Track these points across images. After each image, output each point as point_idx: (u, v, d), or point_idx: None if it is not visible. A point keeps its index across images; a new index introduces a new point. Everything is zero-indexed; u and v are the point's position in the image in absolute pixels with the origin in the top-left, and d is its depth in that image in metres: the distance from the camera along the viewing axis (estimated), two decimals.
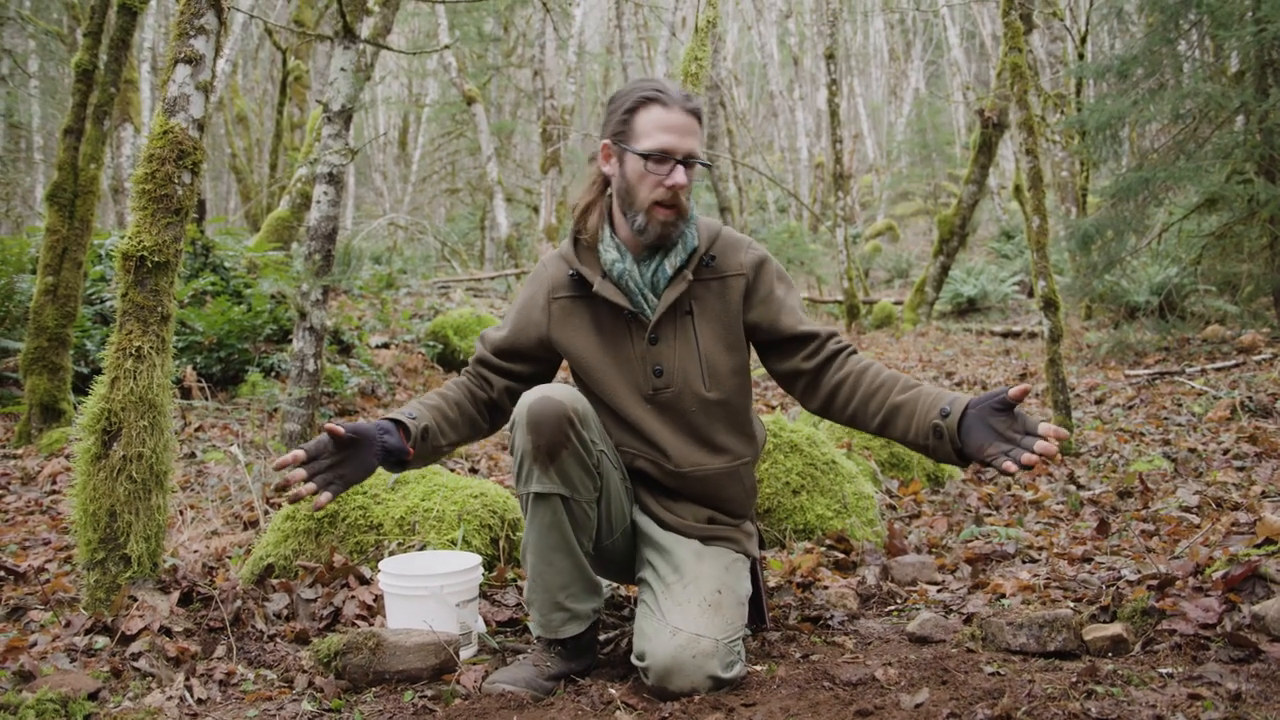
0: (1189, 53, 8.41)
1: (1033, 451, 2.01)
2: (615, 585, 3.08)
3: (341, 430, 2.22)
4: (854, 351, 2.46)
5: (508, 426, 2.38)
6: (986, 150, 12.22)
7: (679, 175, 2.34)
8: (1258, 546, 2.70)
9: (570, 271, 2.49)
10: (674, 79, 2.80)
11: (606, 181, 2.49)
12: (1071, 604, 2.60)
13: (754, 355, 2.59)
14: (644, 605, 2.35)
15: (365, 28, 4.85)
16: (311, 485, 2.19)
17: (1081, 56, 12.43)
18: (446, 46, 6.96)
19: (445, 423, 2.44)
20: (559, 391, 2.27)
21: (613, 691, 2.24)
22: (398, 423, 2.34)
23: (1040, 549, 3.34)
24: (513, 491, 3.46)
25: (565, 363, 2.56)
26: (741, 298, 2.47)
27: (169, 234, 2.78)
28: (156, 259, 2.74)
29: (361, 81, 4.81)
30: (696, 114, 2.40)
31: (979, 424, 2.12)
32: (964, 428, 2.14)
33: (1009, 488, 4.33)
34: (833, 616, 2.76)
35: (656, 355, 2.44)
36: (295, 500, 2.19)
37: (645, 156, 2.34)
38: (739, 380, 2.49)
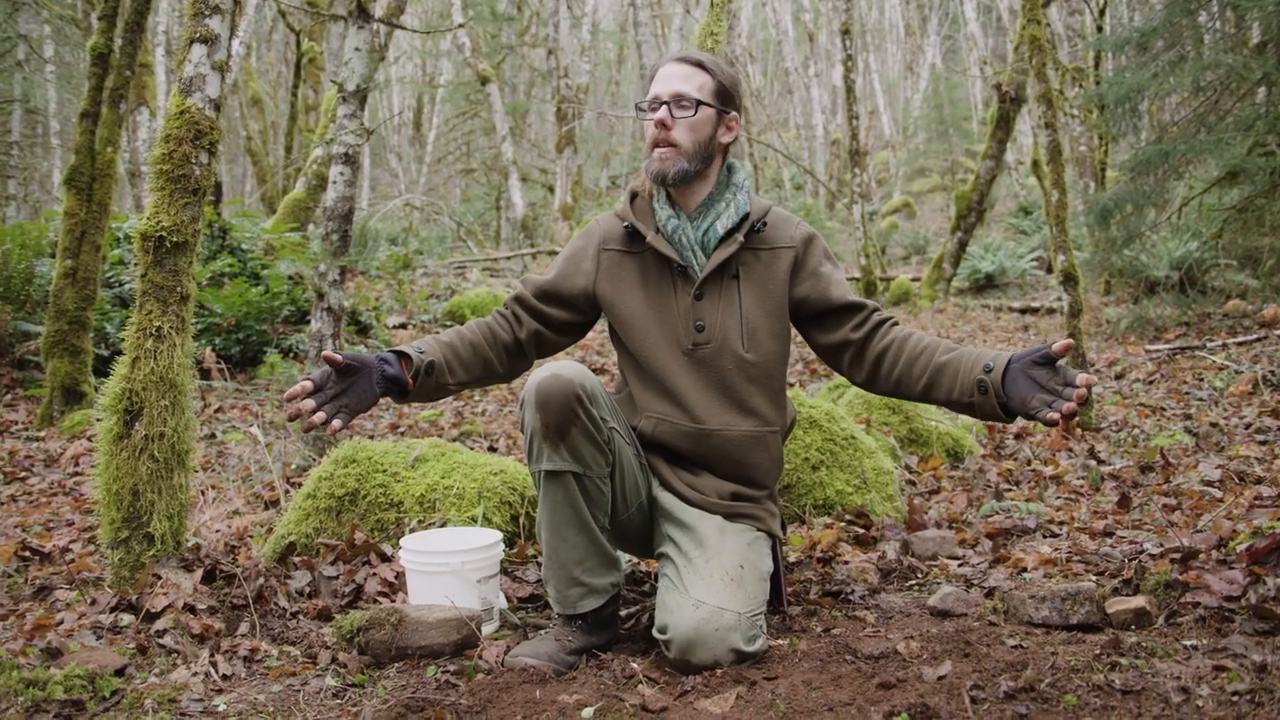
0: (1210, 24, 8.31)
1: (1071, 401, 2.03)
2: (635, 560, 3.08)
3: (339, 358, 2.26)
4: (896, 322, 2.50)
5: (517, 405, 2.40)
6: (1004, 125, 12.12)
7: (660, 112, 2.43)
8: None
9: (625, 224, 2.56)
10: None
11: None
12: (1094, 577, 2.59)
13: (796, 335, 2.61)
14: (666, 579, 2.36)
15: (379, 7, 4.83)
16: (321, 414, 2.22)
17: (1100, 29, 12.30)
18: (460, 26, 6.94)
19: (456, 360, 2.47)
20: (567, 369, 2.27)
21: (635, 665, 2.25)
22: (402, 354, 2.38)
23: (1061, 524, 3.33)
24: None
25: (601, 321, 2.63)
26: (789, 271, 2.51)
27: (187, 214, 2.78)
28: (175, 239, 2.75)
29: (376, 61, 4.80)
30: (690, 61, 2.48)
31: (1022, 377, 2.14)
32: (1008, 381, 2.16)
33: (1029, 463, 4.31)
34: (853, 591, 2.76)
35: (700, 311, 2.47)
36: (309, 429, 2.22)
37: (640, 107, 2.50)
38: (777, 347, 2.50)
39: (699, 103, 2.45)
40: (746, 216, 2.50)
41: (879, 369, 2.45)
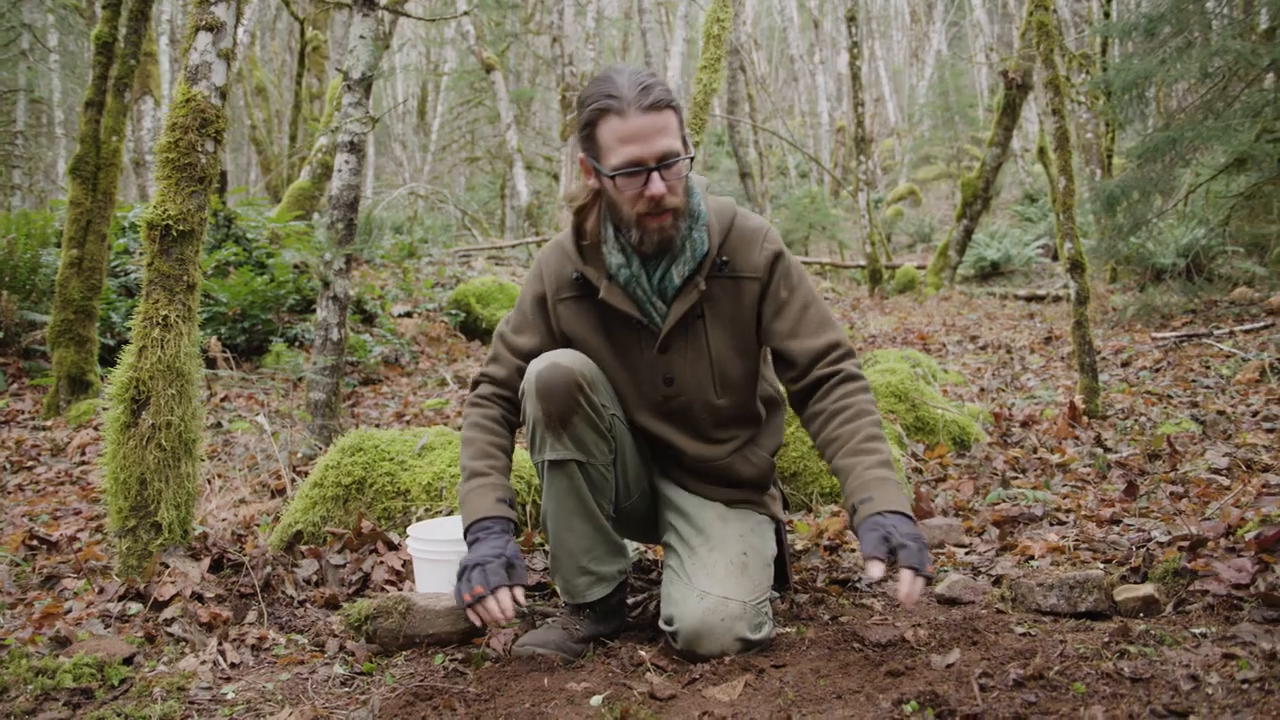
0: (1217, 10, 8.26)
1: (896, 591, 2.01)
2: (642, 549, 3.08)
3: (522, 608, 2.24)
4: (840, 380, 2.31)
5: (518, 394, 2.36)
6: (1010, 112, 12.08)
7: (656, 185, 2.15)
8: None
9: (574, 273, 2.36)
10: (630, 68, 2.41)
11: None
12: (1101, 565, 2.58)
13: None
14: (670, 570, 2.36)
15: None
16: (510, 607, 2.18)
17: (1107, 15, 12.24)
18: (465, 13, 6.93)
19: (510, 475, 2.40)
20: (566, 357, 2.26)
21: (643, 653, 2.25)
22: (510, 520, 2.30)
23: (1068, 511, 3.33)
24: None
25: None
26: (756, 300, 2.35)
27: (193, 202, 2.78)
28: (181, 228, 2.75)
29: (381, 49, 4.79)
30: (661, 106, 2.15)
31: (869, 533, 2.06)
32: (861, 530, 2.10)
33: (1035, 450, 4.30)
34: (860, 579, 2.76)
35: (667, 364, 2.36)
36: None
37: (614, 175, 2.17)
38: (749, 375, 2.42)
39: (682, 152, 2.20)
40: (706, 255, 2.30)
41: (808, 427, 2.36)
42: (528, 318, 2.44)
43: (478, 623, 2.17)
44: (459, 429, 3.07)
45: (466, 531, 2.27)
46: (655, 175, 2.15)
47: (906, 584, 1.98)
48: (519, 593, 2.19)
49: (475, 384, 2.50)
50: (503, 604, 2.15)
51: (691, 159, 2.24)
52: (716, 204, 2.38)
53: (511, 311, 2.50)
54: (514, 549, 2.23)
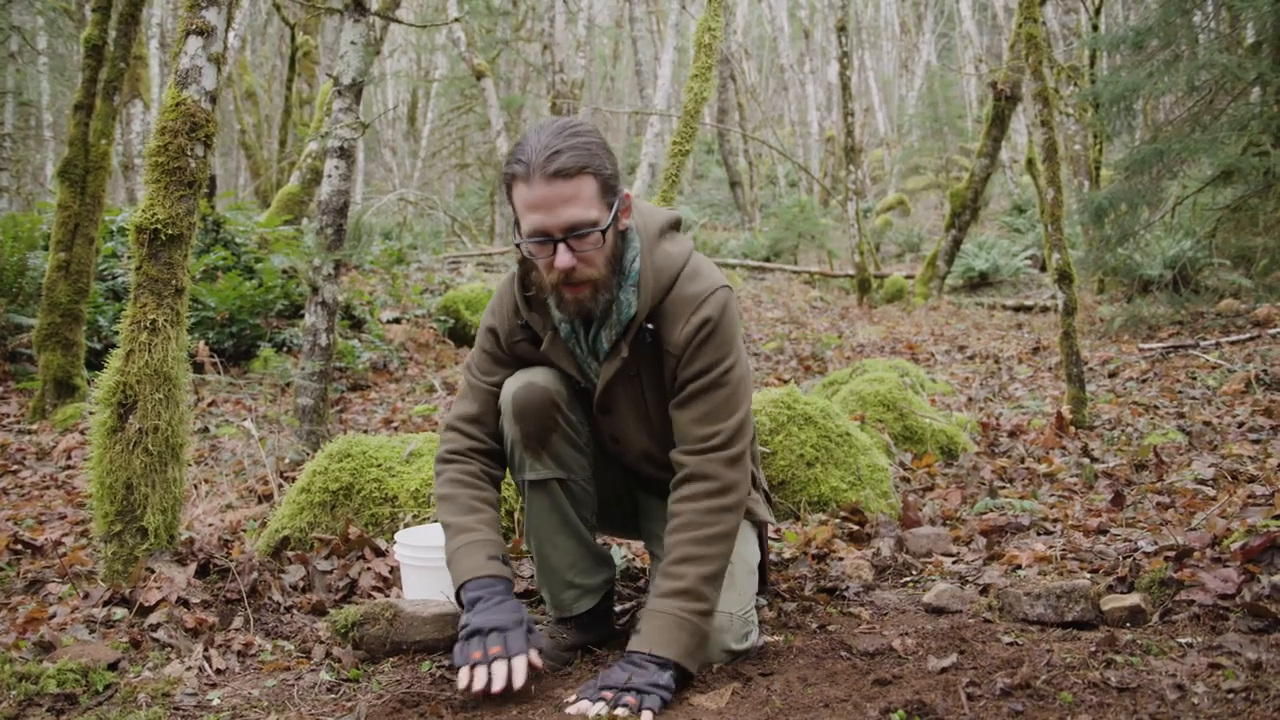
0: (1204, 23, 8.31)
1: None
2: (630, 555, 3.08)
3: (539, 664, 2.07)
4: (688, 478, 2.15)
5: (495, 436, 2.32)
6: (999, 123, 12.13)
7: (562, 258, 2.02)
8: (1276, 518, 2.69)
9: (520, 321, 2.29)
10: (549, 123, 2.21)
11: None
12: (1088, 575, 2.59)
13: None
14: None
15: (374, 1, 4.82)
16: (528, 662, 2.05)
17: (1095, 28, 12.31)
18: (456, 20, 6.93)
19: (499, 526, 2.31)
20: (539, 376, 2.25)
21: None
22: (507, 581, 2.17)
23: (1055, 521, 3.33)
24: None
25: None
26: (674, 369, 2.19)
27: (182, 207, 2.77)
28: (170, 232, 2.74)
29: (371, 55, 4.79)
30: (566, 174, 1.99)
31: (606, 670, 2.06)
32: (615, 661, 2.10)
33: (1023, 460, 4.32)
34: (848, 588, 2.76)
35: (610, 424, 2.34)
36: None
37: (523, 242, 2.06)
38: None
39: (598, 221, 2.04)
40: (632, 320, 2.15)
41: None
42: (488, 355, 2.36)
43: (479, 686, 1.96)
44: None
45: (460, 589, 2.15)
46: (562, 247, 2.02)
47: (586, 709, 1.92)
48: (535, 656, 2.05)
49: (444, 435, 2.37)
50: (517, 674, 1.99)
51: (606, 230, 2.06)
52: (662, 262, 2.19)
53: (474, 352, 2.40)
54: (525, 612, 2.12)
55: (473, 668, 1.99)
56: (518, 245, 2.11)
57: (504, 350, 2.33)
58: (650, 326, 2.17)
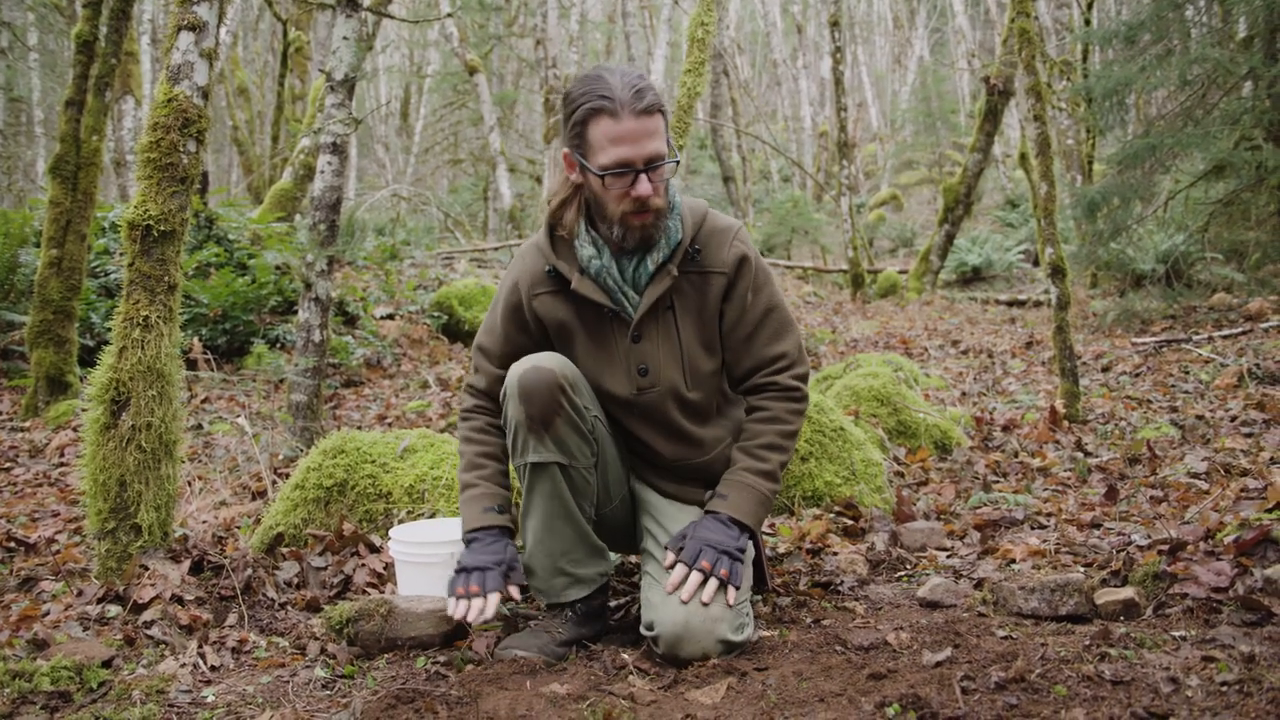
0: (1196, 18, 8.33)
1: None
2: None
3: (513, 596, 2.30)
4: (773, 390, 2.45)
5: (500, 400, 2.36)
6: (992, 118, 12.15)
7: (643, 186, 2.21)
8: (1269, 511, 2.70)
9: (546, 267, 2.39)
10: (621, 69, 2.44)
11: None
12: (1082, 569, 2.60)
13: None
14: (648, 576, 2.35)
15: None
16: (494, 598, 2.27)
17: (1088, 22, 12.32)
18: (448, 15, 6.93)
19: (505, 481, 2.45)
20: (548, 360, 2.27)
21: (625, 656, 2.25)
22: (506, 529, 2.37)
23: (1049, 515, 3.34)
24: None
25: None
26: (720, 297, 2.40)
27: (174, 203, 2.76)
28: (163, 228, 2.73)
29: (364, 50, 4.78)
30: (652, 111, 2.20)
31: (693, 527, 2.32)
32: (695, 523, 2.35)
33: (1016, 455, 4.32)
34: (843, 582, 2.77)
35: (641, 354, 2.38)
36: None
37: (603, 175, 2.22)
38: (716, 381, 2.48)
39: (667, 155, 2.26)
40: (679, 244, 2.35)
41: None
42: (499, 327, 2.46)
43: (459, 615, 2.22)
44: (441, 431, 3.07)
45: (469, 539, 2.36)
46: (643, 177, 2.21)
47: (675, 576, 2.21)
48: (514, 590, 2.28)
49: (463, 398, 2.56)
50: (489, 607, 2.23)
51: (676, 162, 2.29)
52: (689, 201, 2.43)
53: (487, 316, 2.51)
54: (512, 553, 2.32)
55: (456, 600, 2.24)
56: (589, 174, 2.26)
57: (520, 315, 2.44)
58: (697, 249, 2.37)
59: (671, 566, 2.25)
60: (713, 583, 2.19)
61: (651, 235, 2.29)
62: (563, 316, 2.40)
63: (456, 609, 2.23)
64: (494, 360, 2.46)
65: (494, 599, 2.23)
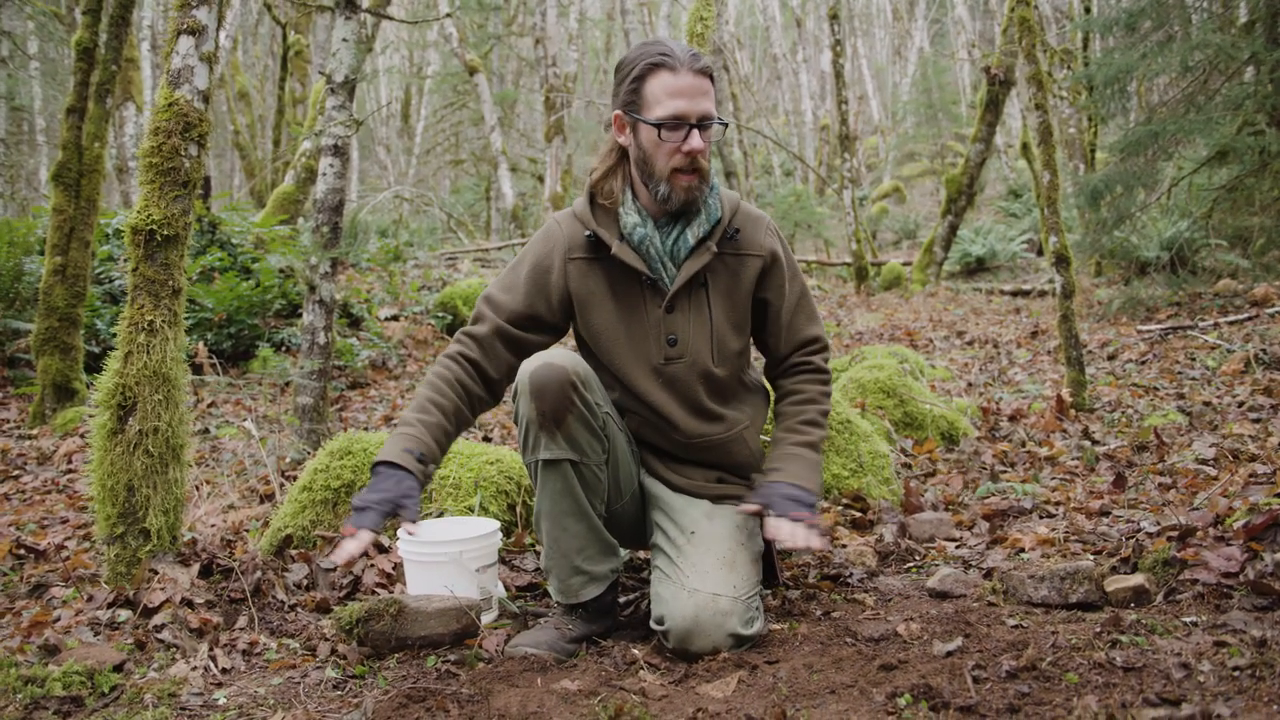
0: (1197, 3, 8.30)
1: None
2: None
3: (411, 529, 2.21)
4: (809, 370, 2.56)
5: (510, 396, 2.36)
6: (993, 108, 12.12)
7: (695, 140, 2.28)
8: (1278, 496, 2.69)
9: (587, 232, 2.42)
10: (677, 40, 2.58)
11: (624, 149, 2.43)
12: (1091, 556, 2.59)
13: None
14: (658, 570, 2.35)
15: None
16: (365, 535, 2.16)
17: (1088, 10, 12.28)
18: (447, 15, 6.92)
19: (444, 439, 2.35)
20: (560, 357, 2.27)
21: (635, 652, 2.25)
22: (410, 471, 2.24)
23: (1057, 504, 3.34)
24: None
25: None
26: (755, 279, 2.47)
27: (177, 207, 2.76)
28: (166, 232, 2.73)
29: (363, 52, 4.78)
30: (707, 73, 2.31)
31: (756, 493, 2.39)
32: (754, 492, 2.41)
33: (1024, 444, 4.32)
34: (852, 574, 2.77)
35: (671, 324, 2.41)
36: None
37: (659, 125, 2.28)
38: (741, 360, 2.51)
39: (716, 121, 2.35)
40: (719, 221, 2.42)
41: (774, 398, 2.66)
42: (520, 279, 2.47)
43: (339, 560, 2.12)
44: None
45: (372, 471, 2.27)
46: (695, 132, 2.28)
47: (784, 530, 2.22)
48: (408, 528, 2.19)
49: (452, 344, 2.49)
50: (355, 547, 2.11)
51: (725, 125, 2.38)
52: (723, 190, 2.51)
53: (503, 273, 2.52)
54: (405, 488, 2.20)
55: (338, 543, 2.16)
56: (642, 127, 2.32)
57: (544, 276, 2.44)
58: (736, 229, 2.45)
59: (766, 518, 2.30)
60: (813, 530, 2.22)
61: (694, 199, 2.35)
62: (592, 284, 2.43)
63: (337, 555, 2.13)
64: (501, 313, 2.44)
65: (365, 537, 2.11)
